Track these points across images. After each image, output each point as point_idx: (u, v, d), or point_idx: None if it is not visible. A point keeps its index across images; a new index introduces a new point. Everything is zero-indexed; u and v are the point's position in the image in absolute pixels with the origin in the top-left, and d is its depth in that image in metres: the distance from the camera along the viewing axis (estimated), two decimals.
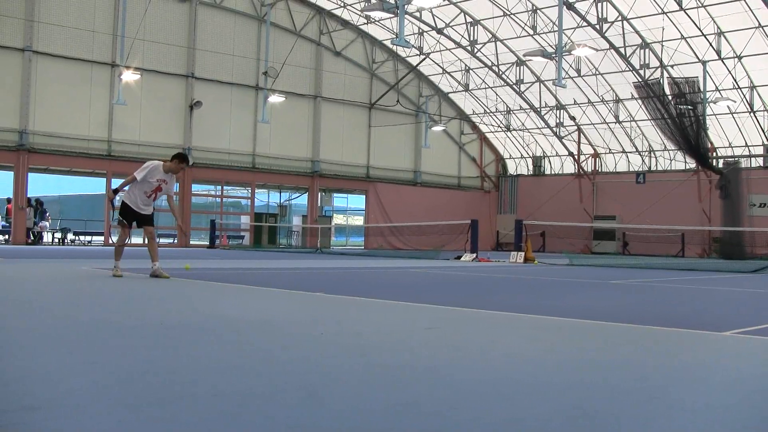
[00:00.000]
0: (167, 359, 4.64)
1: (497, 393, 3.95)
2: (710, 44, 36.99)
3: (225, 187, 42.93)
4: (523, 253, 25.21)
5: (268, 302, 9.09)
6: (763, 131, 40.34)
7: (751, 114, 39.88)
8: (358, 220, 50.42)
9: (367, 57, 46.52)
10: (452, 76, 47.99)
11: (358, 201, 48.58)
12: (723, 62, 37.66)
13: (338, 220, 51.53)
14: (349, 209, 51.01)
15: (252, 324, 6.65)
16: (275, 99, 40.81)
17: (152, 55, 37.48)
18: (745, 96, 39.29)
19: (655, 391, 4.07)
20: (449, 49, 44.85)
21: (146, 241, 12.97)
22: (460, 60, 46.13)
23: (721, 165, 39.66)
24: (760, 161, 41.74)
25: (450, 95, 49.82)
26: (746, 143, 41.59)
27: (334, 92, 44.81)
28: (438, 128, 48.44)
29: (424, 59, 45.72)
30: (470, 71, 47.11)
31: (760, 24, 34.55)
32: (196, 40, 39.11)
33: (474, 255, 26.12)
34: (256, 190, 43.10)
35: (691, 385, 4.35)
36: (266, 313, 7.69)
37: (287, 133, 42.81)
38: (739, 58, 37.20)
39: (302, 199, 45.77)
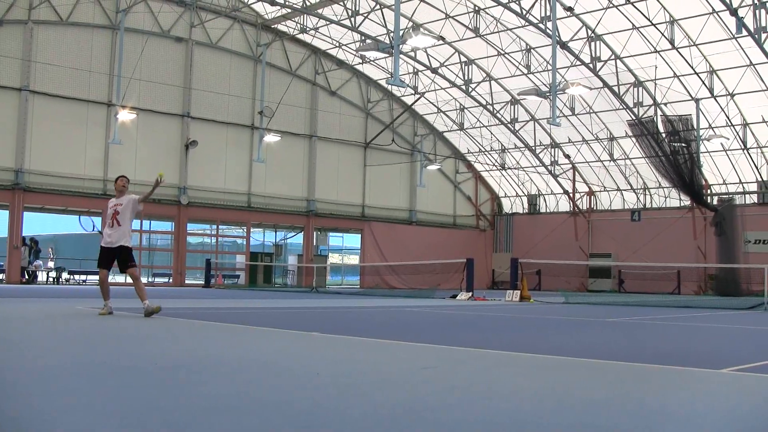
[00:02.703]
0: (163, 400, 4.61)
1: None
2: (703, 82, 37.24)
3: (220, 227, 42.86)
4: (518, 292, 25.16)
5: (264, 342, 9.06)
6: (756, 168, 40.49)
7: (745, 151, 40.05)
8: (354, 259, 50.36)
9: (362, 96, 46.76)
10: (447, 116, 48.22)
11: (353, 240, 48.56)
12: (716, 100, 37.89)
13: (334, 259, 51.43)
14: (344, 248, 50.97)
15: (248, 364, 6.62)
16: (271, 138, 40.99)
17: (148, 94, 37.67)
18: (738, 133, 39.48)
19: (655, 429, 4.05)
20: (444, 89, 45.13)
21: (130, 281, 12.85)
22: (455, 99, 46.39)
23: (715, 202, 39.80)
24: (755, 198, 41.83)
25: (445, 134, 50.02)
26: (740, 180, 41.73)
27: (330, 131, 44.98)
28: (433, 167, 48.58)
29: (419, 99, 45.98)
30: (465, 110, 47.35)
31: (751, 62, 34.80)
32: (192, 80, 39.31)
33: (470, 294, 26.03)
34: (251, 230, 43.07)
35: (690, 423, 4.33)
36: (262, 353, 7.66)
37: (283, 173, 42.91)
38: (732, 95, 37.44)
39: (298, 239, 45.73)
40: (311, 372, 6.06)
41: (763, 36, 31.09)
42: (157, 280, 40.52)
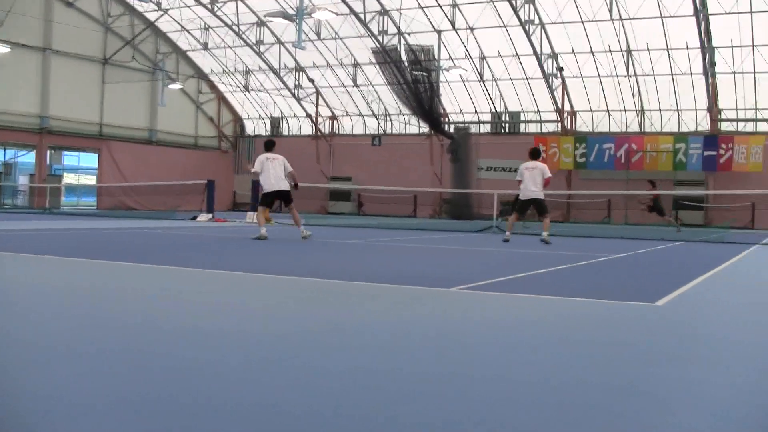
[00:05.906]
0: None
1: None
2: (445, 15, 38.38)
3: None
4: None
5: None
6: (491, 99, 42.44)
7: (481, 83, 41.81)
8: (91, 180, 48.42)
9: (102, 10, 44.52)
10: (191, 34, 46.87)
11: (90, 159, 46.59)
12: (457, 33, 39.21)
13: (69, 179, 49.23)
14: (80, 168, 48.81)
15: None
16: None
17: None
18: (476, 65, 41.12)
19: (398, 341, 4.18)
20: (189, 6, 43.73)
21: None
22: (200, 18, 45.13)
23: (452, 130, 41.37)
24: (488, 127, 43.90)
25: (188, 53, 48.69)
26: (476, 110, 43.62)
27: (66, 45, 42.52)
28: (175, 86, 47.25)
29: (162, 15, 44.35)
30: (210, 29, 46.22)
31: None
32: None
33: (210, 215, 25.85)
34: None
35: (420, 332, 4.50)
36: None
37: (12, 87, 40.18)
38: (472, 29, 38.87)
39: (29, 157, 43.32)
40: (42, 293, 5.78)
41: None
42: None
